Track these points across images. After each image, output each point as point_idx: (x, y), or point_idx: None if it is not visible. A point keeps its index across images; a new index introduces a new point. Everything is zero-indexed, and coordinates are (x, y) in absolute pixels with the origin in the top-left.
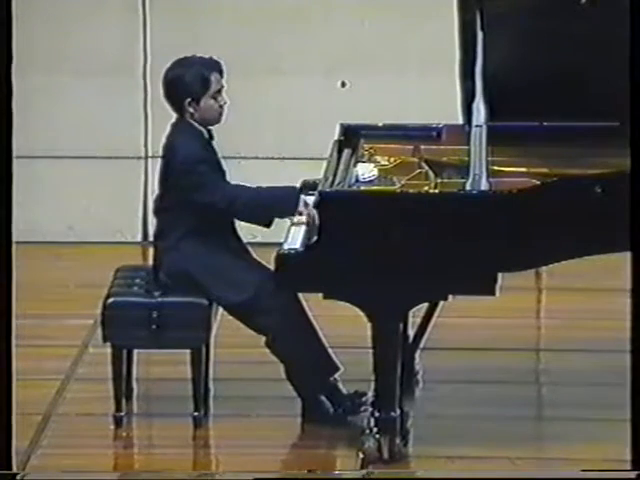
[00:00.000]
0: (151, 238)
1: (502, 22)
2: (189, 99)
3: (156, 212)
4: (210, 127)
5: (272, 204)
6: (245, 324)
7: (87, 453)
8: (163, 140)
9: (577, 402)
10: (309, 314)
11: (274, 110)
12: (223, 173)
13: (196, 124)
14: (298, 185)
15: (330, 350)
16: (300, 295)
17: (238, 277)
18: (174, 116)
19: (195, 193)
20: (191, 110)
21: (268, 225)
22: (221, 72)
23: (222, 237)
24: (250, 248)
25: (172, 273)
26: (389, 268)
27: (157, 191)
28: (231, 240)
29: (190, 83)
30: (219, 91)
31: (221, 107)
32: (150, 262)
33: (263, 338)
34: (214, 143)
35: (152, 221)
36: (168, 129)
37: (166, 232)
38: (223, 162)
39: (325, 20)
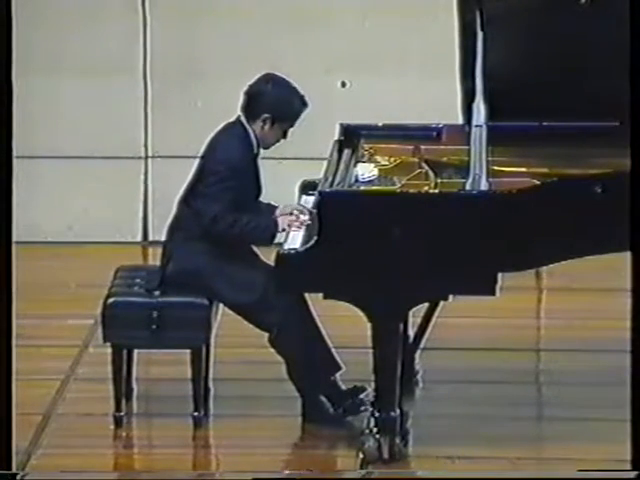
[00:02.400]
0: (151, 238)
1: (502, 22)
2: (268, 115)
3: (180, 201)
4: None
5: (251, 232)
6: (249, 321)
7: (87, 453)
8: (210, 136)
9: (577, 402)
10: (314, 313)
11: None
12: (257, 193)
13: (252, 135)
14: (296, 188)
15: (333, 349)
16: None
17: (245, 279)
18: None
19: (200, 197)
20: (261, 124)
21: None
22: (302, 112)
23: None
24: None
25: (179, 270)
26: (389, 268)
27: (189, 181)
28: (239, 242)
29: (282, 106)
30: (290, 127)
31: (278, 140)
32: (150, 262)
33: (263, 338)
34: (258, 162)
35: (152, 221)
36: (221, 127)
37: (181, 226)
38: (262, 179)
39: (325, 20)
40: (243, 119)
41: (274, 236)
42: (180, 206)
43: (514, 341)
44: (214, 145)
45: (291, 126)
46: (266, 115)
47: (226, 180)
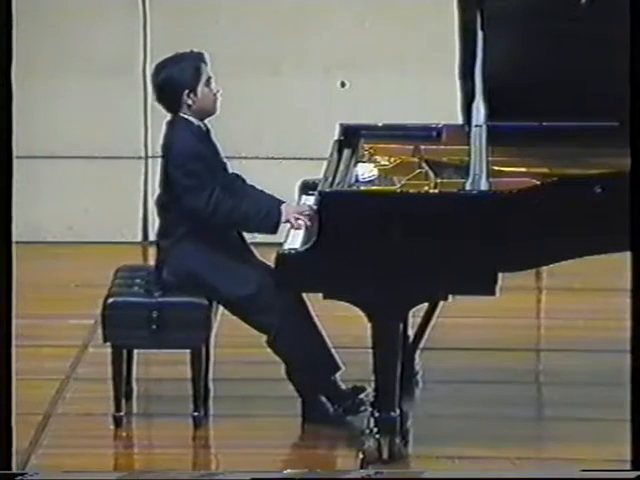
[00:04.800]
0: (151, 238)
1: (502, 22)
2: (187, 91)
3: (158, 210)
4: (206, 121)
5: (253, 217)
6: (247, 322)
7: (87, 453)
8: (161, 139)
9: (577, 402)
10: (312, 313)
11: (274, 110)
12: (223, 166)
13: (192, 118)
14: (297, 187)
15: (332, 349)
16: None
17: (241, 273)
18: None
19: (184, 195)
20: (189, 102)
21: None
22: (205, 62)
23: (224, 236)
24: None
25: (175, 271)
26: (389, 268)
27: (158, 189)
28: (233, 239)
29: (184, 75)
30: (209, 79)
31: (215, 95)
32: (150, 262)
33: (263, 338)
34: (212, 137)
35: (152, 221)
36: (164, 128)
37: (168, 230)
38: (222, 155)
39: (325, 20)
40: (174, 115)
41: (278, 224)
42: (160, 214)
43: (514, 341)
44: (167, 144)
45: (209, 78)
46: (185, 92)
47: (193, 168)
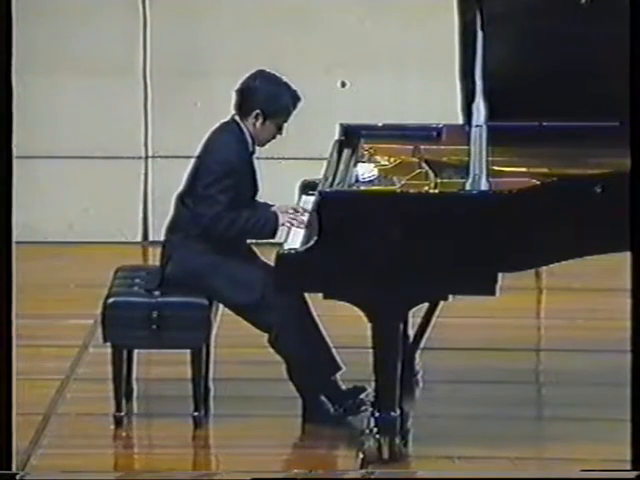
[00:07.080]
0: (151, 238)
1: (502, 22)
2: (258, 111)
3: (176, 204)
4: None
5: (252, 227)
6: (248, 321)
7: (87, 453)
8: (206, 136)
9: (577, 402)
10: (314, 313)
11: None
12: (254, 191)
13: (247, 133)
14: (297, 187)
15: (333, 350)
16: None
17: (246, 278)
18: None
19: (198, 199)
20: (253, 121)
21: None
22: (296, 107)
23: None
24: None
25: (180, 269)
26: (389, 268)
27: (184, 183)
28: (239, 241)
29: (272, 101)
30: (284, 122)
31: (274, 136)
32: (150, 262)
33: (263, 338)
34: (254, 158)
35: (152, 221)
36: (217, 127)
37: (179, 226)
38: (258, 179)
39: (325, 20)
40: (237, 117)
41: (276, 230)
42: (177, 207)
43: (514, 341)
44: (210, 145)
45: (284, 121)
46: (257, 111)
47: (223, 180)
